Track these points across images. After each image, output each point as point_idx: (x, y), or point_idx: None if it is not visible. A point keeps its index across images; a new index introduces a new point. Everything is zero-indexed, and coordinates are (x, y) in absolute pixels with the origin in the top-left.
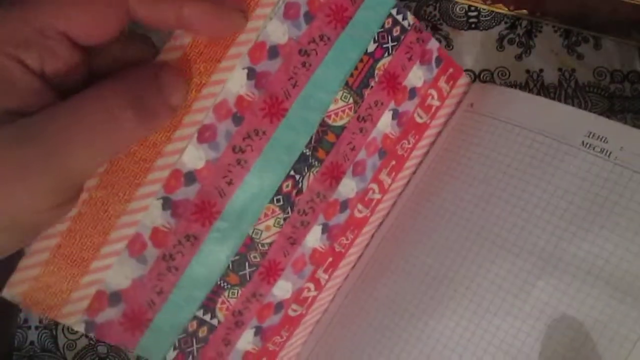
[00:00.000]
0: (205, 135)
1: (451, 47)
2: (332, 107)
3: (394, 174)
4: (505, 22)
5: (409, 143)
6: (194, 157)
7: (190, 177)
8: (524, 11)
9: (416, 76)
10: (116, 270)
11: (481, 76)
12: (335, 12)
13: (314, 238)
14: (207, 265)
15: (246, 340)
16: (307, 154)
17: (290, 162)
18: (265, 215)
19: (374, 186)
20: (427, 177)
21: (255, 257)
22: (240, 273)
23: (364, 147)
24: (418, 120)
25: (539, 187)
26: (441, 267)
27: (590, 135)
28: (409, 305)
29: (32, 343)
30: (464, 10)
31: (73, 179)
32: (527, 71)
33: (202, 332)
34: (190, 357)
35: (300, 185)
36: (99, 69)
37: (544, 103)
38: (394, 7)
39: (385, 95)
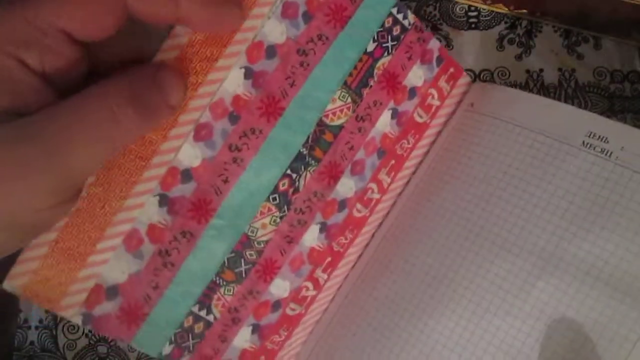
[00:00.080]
0: (201, 133)
1: (451, 47)
2: (330, 106)
3: (393, 173)
4: (505, 22)
5: (408, 143)
6: (190, 155)
7: (187, 174)
8: (524, 11)
9: (416, 76)
10: (113, 265)
11: (481, 76)
12: (335, 12)
13: (311, 237)
14: (202, 262)
15: (243, 338)
16: (304, 153)
17: (287, 161)
18: (261, 213)
19: (373, 186)
20: (427, 176)
21: (251, 254)
22: (236, 270)
23: (363, 146)
24: (418, 119)
25: (539, 187)
26: (441, 266)
27: (591, 136)
28: (409, 305)
29: (32, 343)
30: (464, 10)
31: (73, 177)
32: (527, 71)
33: (198, 327)
34: (187, 352)
35: (296, 183)
36: (99, 65)
37: (545, 103)
38: (394, 6)
39: (384, 95)
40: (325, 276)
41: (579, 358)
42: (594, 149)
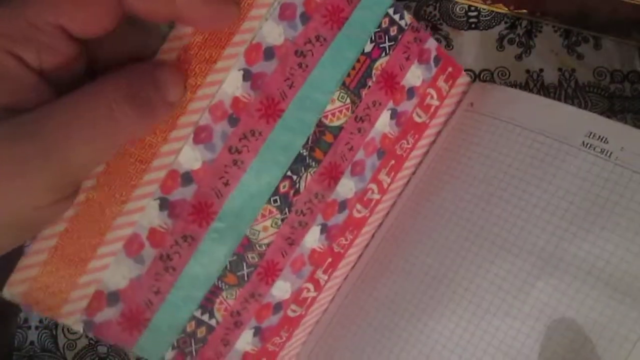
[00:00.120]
0: (201, 136)
1: (451, 47)
2: (329, 107)
3: (393, 174)
4: (505, 22)
5: (408, 143)
6: (190, 157)
7: (187, 177)
8: (524, 11)
9: (414, 75)
10: (114, 270)
11: (481, 76)
12: (332, 13)
13: (312, 238)
14: (204, 266)
15: (245, 341)
16: (304, 154)
17: (287, 163)
18: (263, 215)
19: (373, 186)
20: (427, 176)
21: (253, 257)
22: (238, 273)
23: (363, 147)
24: (417, 119)
25: (539, 187)
26: (441, 267)
27: (591, 136)
28: (409, 305)
29: (32, 343)
30: (464, 10)
31: (72, 175)
32: (527, 71)
33: (201, 332)
34: (189, 357)
35: (297, 185)
36: (98, 63)
37: (545, 103)
38: (390, 7)
39: (383, 95)
40: (326, 277)
41: (579, 358)
42: (594, 149)
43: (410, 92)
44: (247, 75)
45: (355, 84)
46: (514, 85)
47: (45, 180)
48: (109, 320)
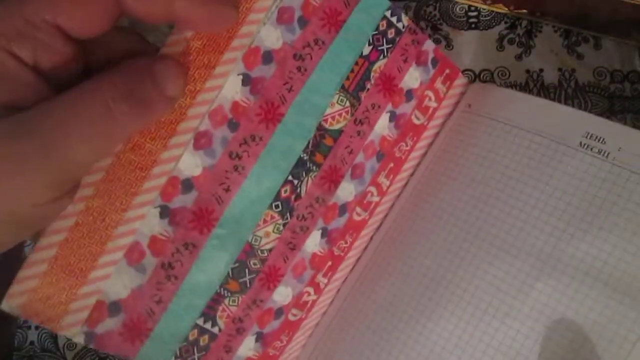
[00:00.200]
0: (201, 142)
1: (451, 47)
2: (329, 110)
3: (392, 176)
4: (505, 22)
5: (406, 145)
6: (190, 164)
7: (188, 184)
8: (524, 11)
9: (412, 78)
10: (115, 280)
11: (481, 76)
12: (329, 16)
13: (313, 242)
14: (206, 273)
15: (247, 347)
16: (305, 158)
17: (288, 167)
18: (264, 221)
19: (373, 189)
20: (425, 178)
21: (255, 263)
22: (241, 280)
23: (362, 150)
24: (415, 121)
25: (536, 188)
26: (439, 268)
27: (588, 136)
28: (407, 307)
29: (32, 343)
30: (464, 10)
31: (71, 172)
32: (527, 71)
33: (203, 340)
34: None
35: (298, 190)
36: (95, 63)
37: (542, 104)
38: (388, 9)
39: (382, 98)
40: (326, 280)
41: (578, 358)
42: (591, 149)
43: (409, 94)
44: (246, 80)
45: (354, 87)
46: (514, 85)
47: (44, 178)
48: (111, 330)
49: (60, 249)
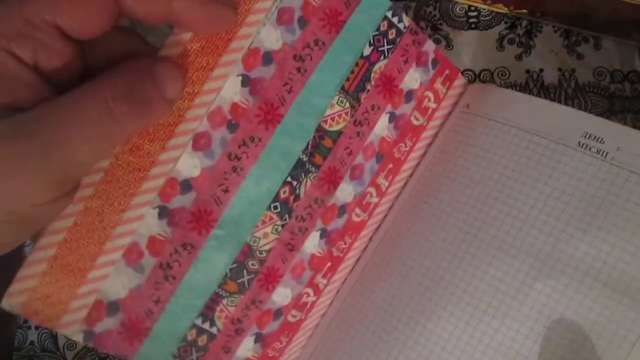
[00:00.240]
0: (200, 142)
1: (451, 47)
2: (328, 112)
3: (391, 177)
4: (505, 22)
5: (405, 146)
6: (189, 165)
7: (186, 185)
8: (524, 11)
9: (412, 78)
10: (113, 280)
11: (481, 76)
12: (330, 17)
13: (312, 243)
14: (205, 274)
15: (246, 348)
16: (304, 159)
17: (287, 169)
18: (263, 222)
19: (372, 190)
20: (424, 179)
21: (253, 264)
22: (239, 281)
23: (361, 151)
24: (415, 122)
25: (535, 189)
26: (438, 269)
27: (587, 136)
28: (407, 308)
29: (32, 343)
30: (464, 10)
31: (71, 172)
32: (527, 71)
33: (202, 340)
34: None
35: (297, 191)
36: (95, 63)
37: (540, 104)
38: (389, 10)
39: (381, 99)
40: (325, 281)
41: (578, 358)
42: (590, 149)
43: (409, 95)
44: (245, 81)
45: (354, 88)
46: (514, 85)
47: (45, 178)
48: (109, 330)
49: (60, 248)
